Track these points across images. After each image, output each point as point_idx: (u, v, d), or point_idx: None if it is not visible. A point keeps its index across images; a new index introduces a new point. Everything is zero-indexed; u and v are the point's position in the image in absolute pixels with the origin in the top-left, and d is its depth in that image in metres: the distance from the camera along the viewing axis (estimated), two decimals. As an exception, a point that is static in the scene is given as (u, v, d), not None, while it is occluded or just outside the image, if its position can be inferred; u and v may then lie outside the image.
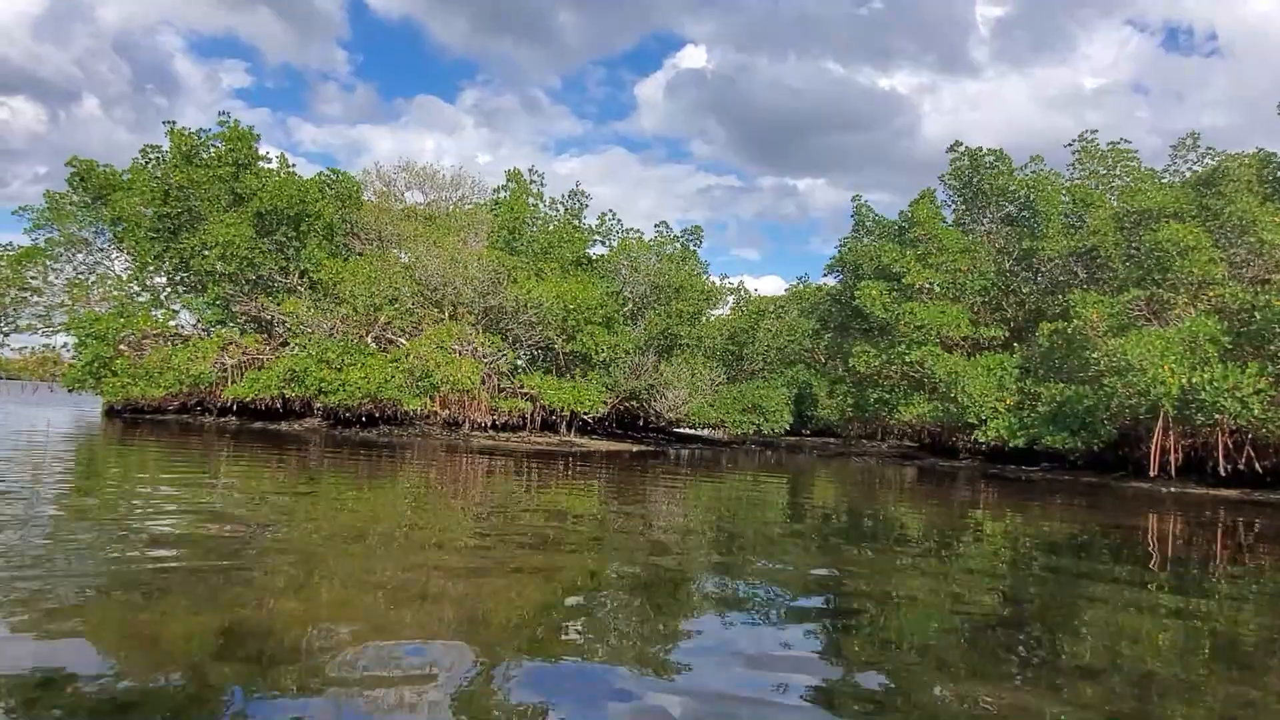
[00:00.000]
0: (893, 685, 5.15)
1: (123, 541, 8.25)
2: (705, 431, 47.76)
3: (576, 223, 45.56)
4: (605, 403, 38.39)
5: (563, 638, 5.81)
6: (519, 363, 39.87)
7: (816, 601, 7.73)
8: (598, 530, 11.52)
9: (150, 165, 39.15)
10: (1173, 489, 26.52)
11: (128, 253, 40.02)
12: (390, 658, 4.98)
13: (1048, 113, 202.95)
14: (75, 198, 40.60)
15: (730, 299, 51.01)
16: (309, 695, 4.28)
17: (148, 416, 37.35)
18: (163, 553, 7.87)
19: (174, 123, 38.69)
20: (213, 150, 38.58)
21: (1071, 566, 10.68)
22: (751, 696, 4.81)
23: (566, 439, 38.04)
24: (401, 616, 6.11)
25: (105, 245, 41.57)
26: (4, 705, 3.82)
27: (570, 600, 7.03)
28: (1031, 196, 36.30)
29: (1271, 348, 24.30)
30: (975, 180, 38.97)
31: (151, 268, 39.11)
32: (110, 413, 38.67)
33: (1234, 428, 26.89)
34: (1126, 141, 38.00)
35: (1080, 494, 23.40)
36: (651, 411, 41.23)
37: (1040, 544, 12.86)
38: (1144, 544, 13.70)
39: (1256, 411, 24.27)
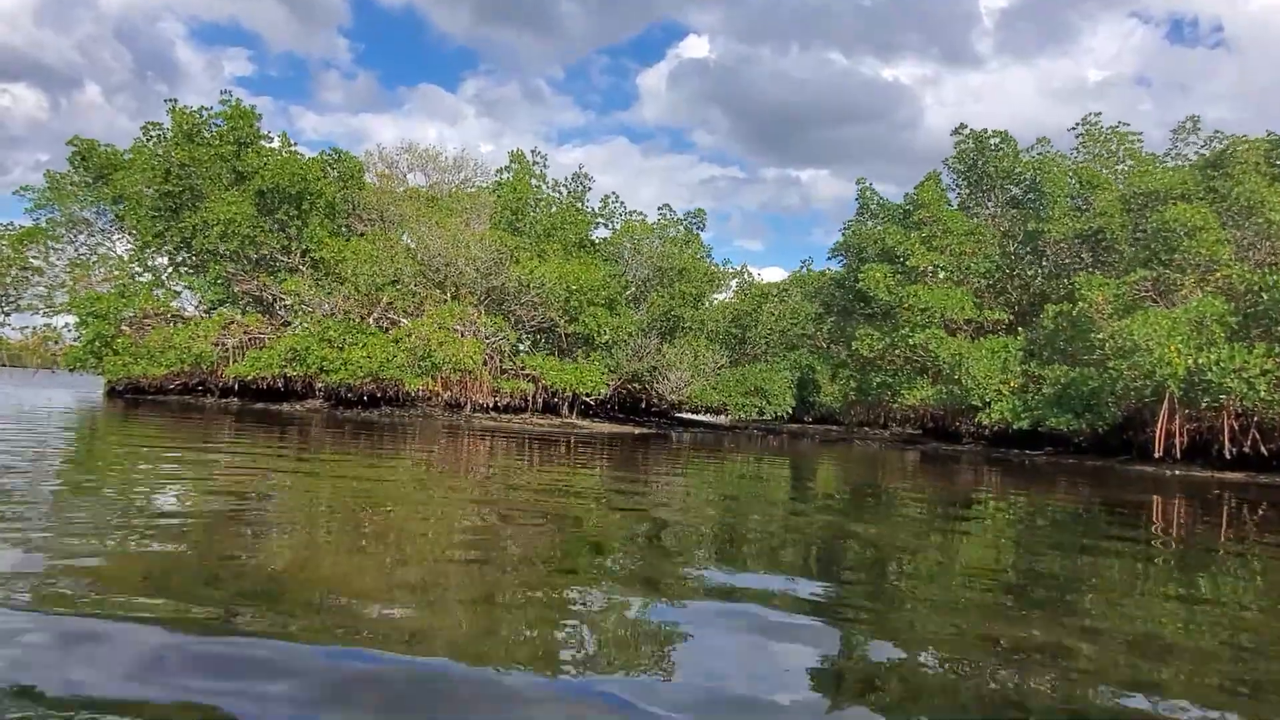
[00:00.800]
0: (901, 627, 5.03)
1: (124, 514, 8.17)
2: (707, 416, 47.69)
3: (579, 205, 45.35)
4: (608, 384, 38.28)
5: (567, 591, 5.70)
6: (521, 345, 39.75)
7: (821, 568, 7.62)
8: (601, 502, 11.42)
9: (152, 143, 38.96)
10: (1177, 472, 26.39)
11: (129, 232, 39.92)
12: (381, 613, 4.88)
13: (1051, 105, 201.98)
14: (76, 177, 40.46)
15: (733, 283, 50.88)
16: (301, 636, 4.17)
17: (149, 396, 37.30)
18: (165, 520, 7.78)
19: (175, 101, 38.48)
20: (214, 129, 38.40)
21: (1074, 541, 10.57)
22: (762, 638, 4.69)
23: (568, 421, 37.97)
24: (402, 578, 6.00)
25: (106, 226, 41.48)
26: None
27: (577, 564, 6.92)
28: (1037, 179, 36.03)
29: (1278, 330, 24.08)
30: (980, 163, 38.69)
31: (152, 247, 38.99)
32: (112, 393, 38.62)
33: (1239, 410, 26.73)
34: (1127, 124, 37.78)
35: (1084, 476, 23.26)
36: (654, 394, 41.13)
37: (1045, 518, 12.75)
38: (1148, 520, 13.58)
39: (1263, 393, 24.11)
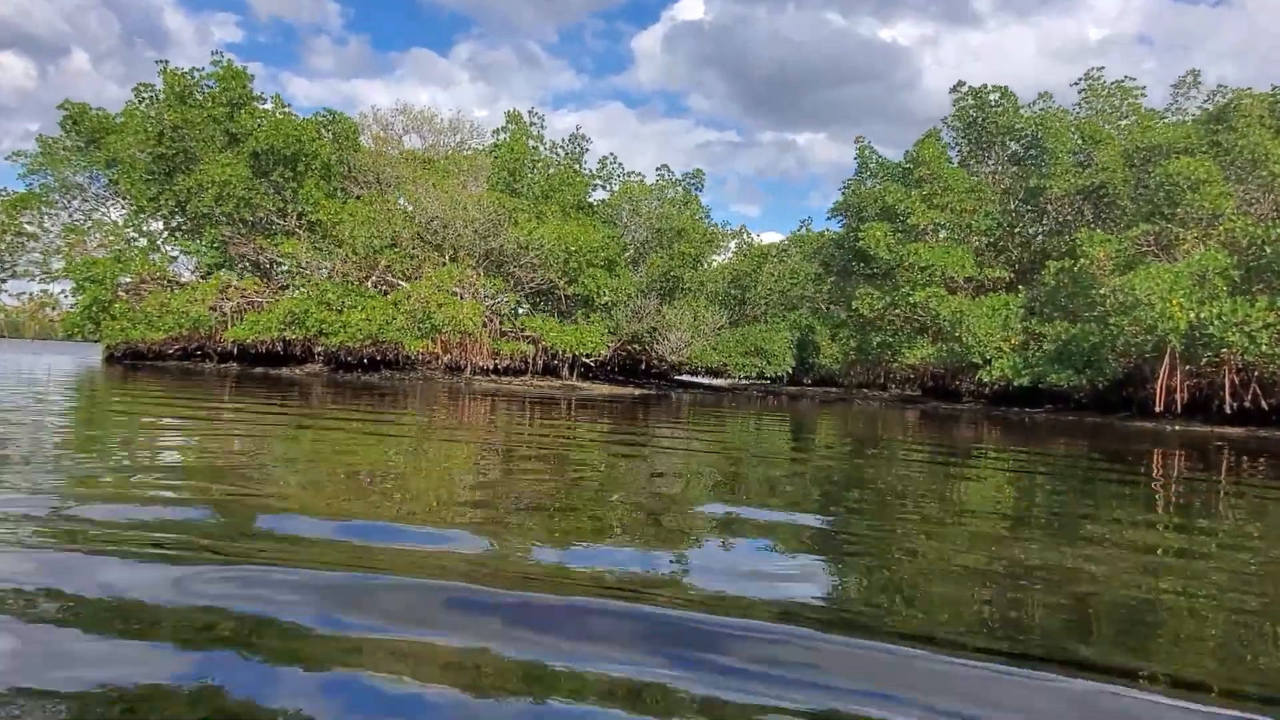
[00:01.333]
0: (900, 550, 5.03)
1: (132, 458, 8.16)
2: (706, 379, 47.68)
3: (577, 167, 44.97)
4: (608, 346, 38.24)
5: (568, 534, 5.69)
6: (520, 309, 39.65)
7: (822, 505, 7.62)
8: (604, 448, 11.41)
9: (144, 105, 38.49)
10: (1177, 427, 26.43)
11: (123, 197, 39.58)
12: (391, 543, 4.86)
13: (1052, 65, 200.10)
14: (69, 142, 40.03)
15: (732, 245, 50.63)
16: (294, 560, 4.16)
17: (148, 362, 37.24)
18: (166, 470, 7.76)
19: (166, 62, 37.93)
20: (206, 90, 37.95)
21: (1073, 484, 10.59)
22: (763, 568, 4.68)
23: (568, 383, 37.97)
24: (410, 509, 5.99)
25: (101, 192, 41.15)
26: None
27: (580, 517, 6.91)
28: (1039, 134, 35.68)
29: (1281, 282, 24.01)
30: (980, 120, 38.32)
31: (147, 211, 38.65)
32: (110, 359, 38.55)
33: (1240, 365, 26.75)
34: (1132, 79, 37.38)
35: (1084, 432, 23.30)
36: (654, 355, 41.11)
37: (1044, 464, 12.78)
38: (1148, 466, 13.61)
39: (1264, 346, 24.10)
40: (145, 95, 38.59)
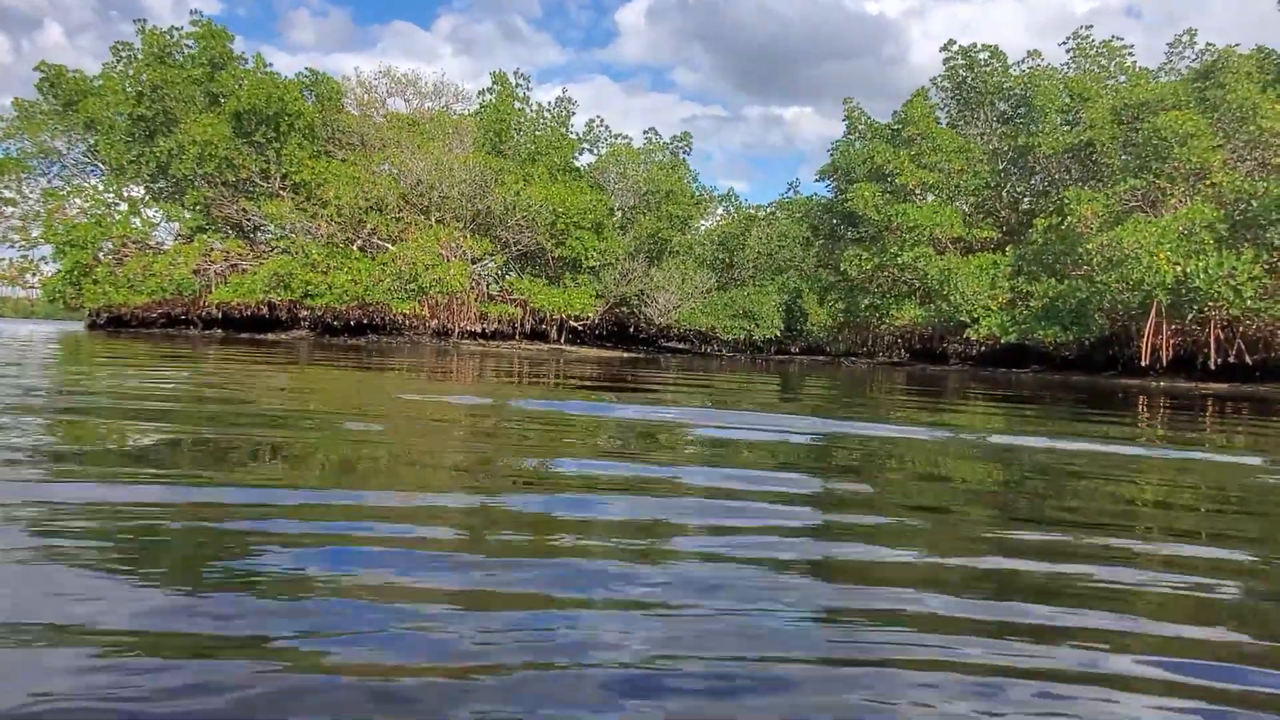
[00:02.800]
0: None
1: (118, 398, 8.06)
2: (693, 345, 47.55)
3: (563, 130, 44.52)
4: (596, 309, 38.12)
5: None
6: (509, 274, 39.42)
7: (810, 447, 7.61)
8: (593, 393, 11.37)
9: (122, 65, 37.73)
10: (1162, 383, 26.59)
11: (103, 161, 38.93)
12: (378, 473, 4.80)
13: (1039, 38, 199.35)
14: (45, 105, 39.27)
15: (720, 210, 50.38)
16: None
17: (131, 328, 36.87)
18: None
19: (145, 21, 37.25)
20: (186, 52, 37.27)
21: (1059, 425, 10.65)
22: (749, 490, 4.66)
23: (556, 347, 37.87)
24: (399, 445, 5.93)
25: (80, 157, 40.47)
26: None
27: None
28: (1028, 93, 35.52)
29: (1269, 235, 24.08)
30: (970, 79, 38.13)
31: (128, 174, 37.99)
32: (93, 325, 38.18)
33: (1225, 320, 26.92)
34: (1120, 39, 37.21)
35: (1070, 389, 23.42)
36: (642, 318, 41.01)
37: (1030, 410, 12.86)
38: (1132, 411, 13.70)
39: (1249, 300, 24.21)
40: (123, 54, 37.84)
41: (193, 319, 37.72)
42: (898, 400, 11.68)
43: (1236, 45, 31.82)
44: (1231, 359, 27.94)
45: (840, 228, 41.51)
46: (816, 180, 44.94)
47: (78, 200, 39.06)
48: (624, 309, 40.87)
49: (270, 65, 39.01)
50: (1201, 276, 24.03)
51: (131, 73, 37.10)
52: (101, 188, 39.59)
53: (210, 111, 36.16)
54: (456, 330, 36.04)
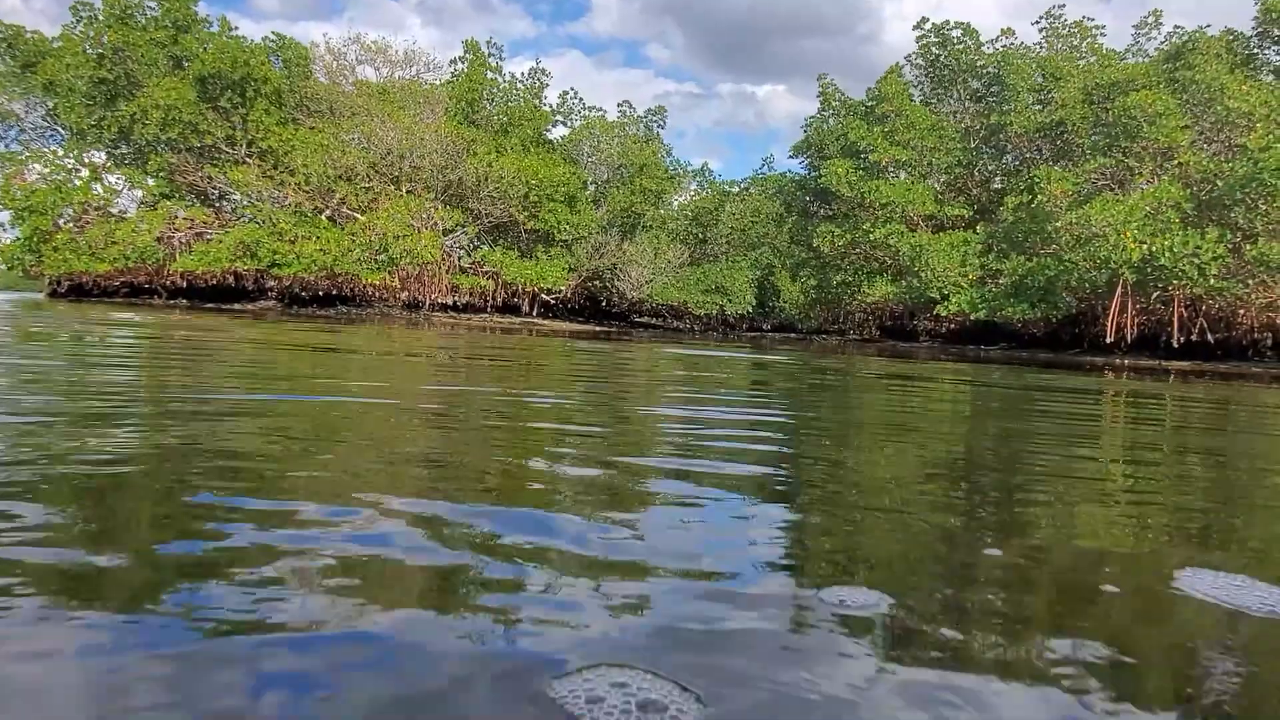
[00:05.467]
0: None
1: (78, 350, 7.85)
2: (665, 320, 47.53)
3: (537, 102, 44.02)
4: (568, 282, 37.94)
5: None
6: (481, 246, 39.04)
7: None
8: (564, 357, 11.29)
9: (82, 25, 36.59)
10: (1127, 361, 27.03)
11: (63, 125, 37.86)
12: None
13: (1012, 19, 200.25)
14: (3, 67, 38.06)
15: (693, 185, 50.25)
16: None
17: (94, 297, 36.10)
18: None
19: (105, -20, 36.06)
20: (149, 13, 36.24)
21: (1024, 394, 10.77)
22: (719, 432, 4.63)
23: (529, 320, 37.69)
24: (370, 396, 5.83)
25: (39, 121, 39.32)
26: None
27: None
28: (1001, 71, 35.69)
29: (1233, 214, 24.46)
30: (943, 57, 38.20)
31: (89, 138, 36.96)
32: (54, 294, 37.31)
33: (1189, 299, 27.38)
34: (1091, 19, 37.46)
35: (1038, 365, 23.74)
36: (614, 292, 40.89)
37: (994, 377, 12.99)
38: (1096, 383, 13.91)
39: (1213, 279, 24.62)
40: (83, 15, 36.70)
41: (156, 288, 36.96)
42: (858, 369, 11.75)
43: (1206, 27, 32.20)
44: (1194, 337, 28.48)
45: (813, 204, 41.59)
46: (790, 157, 44.98)
47: (37, 165, 37.95)
48: (597, 283, 40.73)
49: (236, 29, 38.12)
50: (1166, 255, 24.38)
51: (92, 34, 35.99)
52: (62, 153, 38.49)
53: (174, 75, 35.25)
54: (428, 302, 35.69)
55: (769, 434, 4.16)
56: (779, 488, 2.77)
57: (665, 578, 1.72)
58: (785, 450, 3.65)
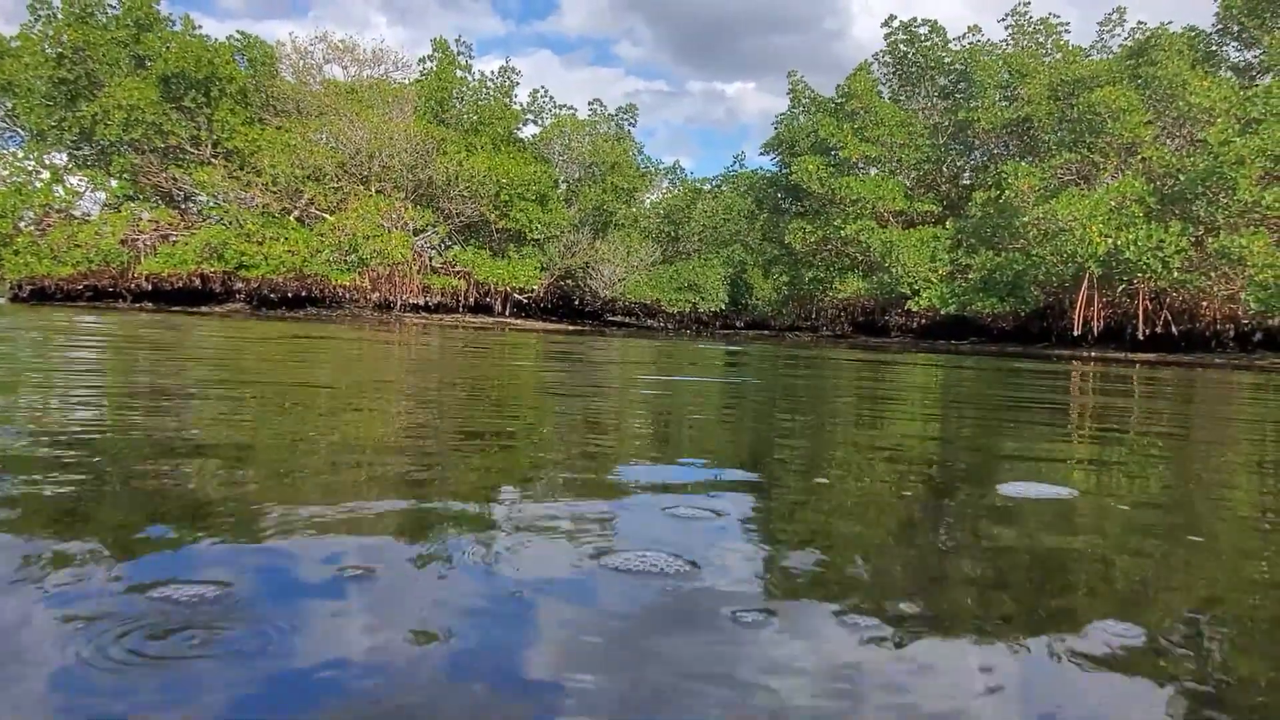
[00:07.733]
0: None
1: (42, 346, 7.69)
2: (637, 319, 47.52)
3: (507, 101, 43.74)
4: (540, 281, 37.81)
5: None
6: (452, 246, 38.79)
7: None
8: (539, 350, 11.25)
9: (41, 24, 35.84)
10: (1094, 354, 27.42)
11: (22, 126, 37.07)
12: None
13: (978, 15, 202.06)
14: (-42, 67, 37.18)
15: (665, 183, 50.28)
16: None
17: (56, 301, 35.42)
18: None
19: (64, -22, 35.35)
20: (109, 12, 35.58)
21: (994, 377, 10.87)
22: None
23: (501, 319, 37.52)
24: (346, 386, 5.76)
25: (-2, 125, 38.45)
26: None
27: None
28: (968, 68, 36.06)
29: (1194, 208, 24.87)
30: (911, 54, 38.53)
31: (50, 139, 36.22)
32: (15, 298, 36.57)
33: (1153, 292, 27.81)
34: (1056, 16, 37.94)
35: (1006, 358, 24.02)
36: (587, 290, 40.81)
37: (965, 369, 13.11)
38: (1064, 373, 14.08)
39: (1176, 272, 25.02)
40: (41, 13, 35.94)
41: (121, 291, 36.32)
42: (830, 357, 11.81)
43: (1169, 23, 32.71)
44: (1159, 330, 28.94)
45: (785, 201, 41.80)
46: (761, 154, 45.24)
47: (-5, 169, 37.20)
48: (569, 281, 40.63)
49: (200, 28, 37.56)
50: (1131, 249, 24.75)
51: (51, 33, 35.25)
52: (22, 154, 37.69)
53: (136, 75, 34.64)
54: (399, 303, 35.41)
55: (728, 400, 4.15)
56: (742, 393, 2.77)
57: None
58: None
